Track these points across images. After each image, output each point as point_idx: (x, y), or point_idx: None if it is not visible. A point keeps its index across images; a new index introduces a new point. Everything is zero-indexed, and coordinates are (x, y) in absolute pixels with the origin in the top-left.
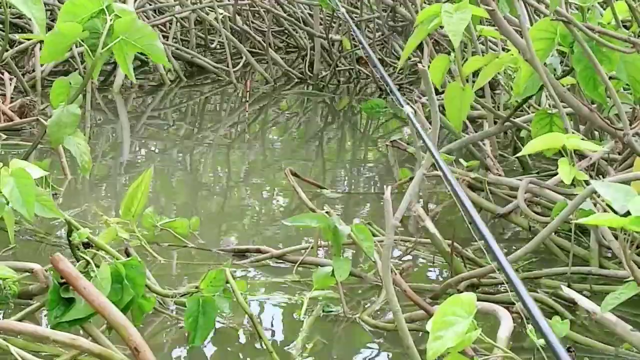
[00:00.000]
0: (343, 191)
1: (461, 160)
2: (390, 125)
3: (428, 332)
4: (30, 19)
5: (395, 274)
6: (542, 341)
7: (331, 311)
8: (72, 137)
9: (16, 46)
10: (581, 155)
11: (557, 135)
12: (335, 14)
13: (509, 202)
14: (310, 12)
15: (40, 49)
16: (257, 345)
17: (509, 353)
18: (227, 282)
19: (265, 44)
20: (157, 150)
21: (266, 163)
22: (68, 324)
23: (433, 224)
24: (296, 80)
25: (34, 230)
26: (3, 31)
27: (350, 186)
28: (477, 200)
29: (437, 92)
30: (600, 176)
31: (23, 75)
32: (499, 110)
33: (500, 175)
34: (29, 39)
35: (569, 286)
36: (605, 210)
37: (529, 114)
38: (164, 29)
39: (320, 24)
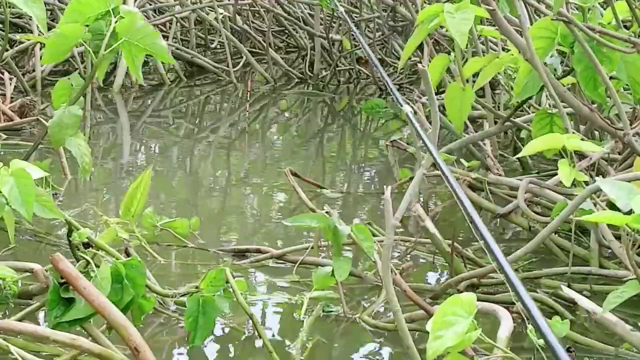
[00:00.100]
0: (343, 191)
1: (462, 160)
2: (390, 125)
3: (428, 332)
4: (30, 19)
5: (395, 274)
6: (542, 341)
7: (331, 311)
8: (73, 138)
9: (16, 46)
10: (581, 155)
11: (557, 135)
12: (335, 14)
13: (509, 202)
14: (310, 12)
15: (41, 49)
16: (257, 345)
17: (509, 353)
18: (227, 282)
19: (265, 44)
20: (157, 150)
21: (266, 163)
22: (68, 324)
23: (433, 224)
24: (296, 80)
25: (33, 230)
26: (3, 31)
27: (350, 186)
28: (478, 200)
29: (437, 92)
30: (600, 176)
31: (23, 75)
32: (499, 110)
33: (500, 175)
34: (29, 39)
35: (569, 286)
36: (605, 210)
37: (529, 114)
38: (164, 29)
39: (321, 24)
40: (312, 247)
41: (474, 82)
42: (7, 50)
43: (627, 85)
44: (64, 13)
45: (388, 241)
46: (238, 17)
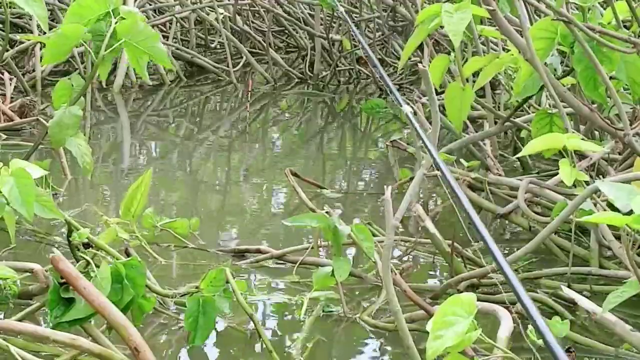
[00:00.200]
0: (343, 191)
1: (462, 160)
2: (390, 125)
3: (428, 332)
4: (30, 19)
5: (395, 274)
6: (542, 341)
7: (331, 311)
8: (74, 138)
9: (16, 46)
10: (581, 155)
11: (557, 135)
12: (335, 14)
13: (509, 202)
14: (310, 12)
15: (41, 49)
16: (257, 345)
17: (509, 353)
18: (227, 282)
19: (265, 44)
20: (157, 150)
21: (266, 163)
22: (68, 324)
23: (433, 224)
24: (296, 80)
25: (34, 231)
26: (3, 31)
27: (350, 186)
28: (478, 200)
29: (437, 92)
30: (601, 176)
31: (23, 75)
32: (499, 110)
33: (500, 175)
34: (29, 39)
35: (569, 286)
36: (605, 211)
37: (529, 114)
38: (164, 29)
39: (321, 24)
40: (312, 247)
41: (474, 82)
42: (7, 50)
43: (627, 85)
44: (64, 16)
45: (388, 241)
46: (238, 18)
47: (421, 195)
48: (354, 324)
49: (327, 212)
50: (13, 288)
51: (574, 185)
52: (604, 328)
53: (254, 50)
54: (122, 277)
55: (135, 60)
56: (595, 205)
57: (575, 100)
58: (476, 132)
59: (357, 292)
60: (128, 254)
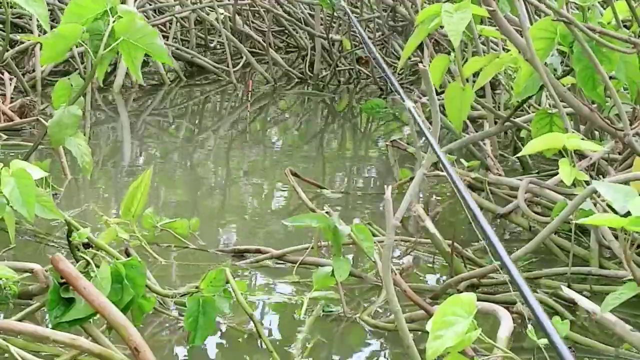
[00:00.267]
0: (343, 191)
1: (462, 160)
2: (390, 125)
3: (428, 332)
4: (30, 19)
5: (395, 274)
6: (543, 341)
7: (331, 311)
8: (73, 138)
9: (16, 46)
10: (581, 155)
11: (557, 135)
12: (335, 14)
13: (509, 202)
14: (310, 12)
15: (41, 49)
16: (257, 345)
17: (509, 353)
18: (227, 282)
19: (265, 44)
20: (157, 150)
21: (266, 163)
22: (68, 324)
23: (433, 224)
24: (296, 80)
25: (34, 231)
26: (4, 31)
27: (350, 186)
28: (478, 200)
29: (437, 92)
30: (601, 176)
31: (23, 75)
32: (499, 110)
33: (500, 175)
34: (29, 39)
35: (569, 286)
36: (605, 211)
37: (529, 114)
38: (164, 29)
39: (321, 24)
40: (312, 247)
41: (474, 82)
42: (7, 50)
43: (627, 85)
44: (63, 14)
45: (388, 241)
46: (238, 18)
47: (421, 195)
48: (354, 324)
49: (327, 212)
50: (13, 288)
51: (574, 185)
52: (604, 328)
53: (254, 50)
54: (122, 277)
55: (129, 60)
56: (595, 205)
57: (575, 100)
58: (476, 132)
59: (357, 292)
60: (128, 254)
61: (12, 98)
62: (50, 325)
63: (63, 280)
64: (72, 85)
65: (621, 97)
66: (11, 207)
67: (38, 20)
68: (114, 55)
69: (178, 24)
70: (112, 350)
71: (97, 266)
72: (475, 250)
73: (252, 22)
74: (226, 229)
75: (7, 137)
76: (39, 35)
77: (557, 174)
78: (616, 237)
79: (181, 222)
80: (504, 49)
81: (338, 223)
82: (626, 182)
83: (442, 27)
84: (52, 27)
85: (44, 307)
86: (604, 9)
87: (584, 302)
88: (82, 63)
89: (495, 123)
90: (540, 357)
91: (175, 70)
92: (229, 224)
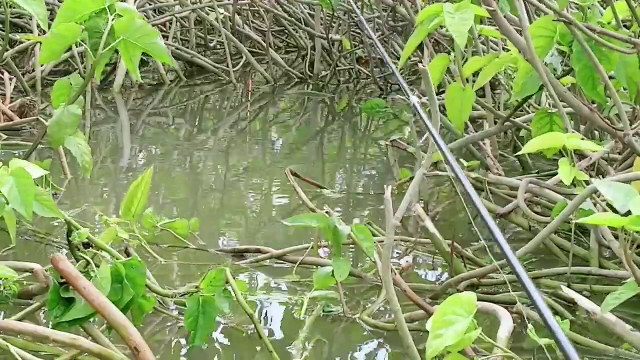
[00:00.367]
0: (343, 191)
1: (462, 160)
2: (390, 125)
3: (428, 332)
4: (30, 19)
5: (395, 274)
6: (544, 341)
7: (331, 311)
8: (73, 137)
9: (16, 46)
10: (581, 155)
11: (557, 135)
12: (335, 14)
13: (509, 202)
14: (310, 12)
15: (41, 49)
16: (258, 345)
17: (509, 353)
18: (227, 282)
19: (265, 44)
20: (157, 150)
21: (266, 163)
22: (68, 324)
23: (433, 224)
24: (296, 80)
25: (34, 231)
26: (4, 31)
27: (351, 186)
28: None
29: (437, 92)
30: (601, 176)
31: (23, 75)
32: (499, 110)
33: (500, 175)
34: (29, 39)
35: (569, 286)
36: (605, 211)
37: (529, 113)
38: (164, 29)
39: (321, 24)
40: (312, 248)
41: (474, 82)
42: (7, 50)
43: (626, 85)
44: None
45: (388, 241)
46: (238, 18)
47: (421, 196)
48: (354, 324)
49: (327, 212)
50: (13, 288)
51: (574, 185)
52: (604, 328)
53: (254, 50)
54: (122, 277)
55: (128, 58)
56: (595, 205)
57: (576, 100)
58: (476, 132)
59: (357, 292)
60: (128, 254)
61: (12, 98)
62: (50, 325)
63: (63, 280)
64: (71, 85)
65: (621, 97)
66: (11, 206)
67: (38, 20)
68: (113, 53)
69: (178, 24)
70: (112, 350)
71: (97, 266)
72: (475, 250)
73: (252, 22)
74: (226, 229)
75: (7, 137)
76: (39, 35)
77: (557, 174)
78: (616, 238)
79: (181, 222)
80: (504, 49)
81: (338, 223)
82: (627, 183)
83: (442, 27)
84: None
85: (44, 307)
86: (604, 9)
87: (584, 302)
88: (82, 63)
89: (495, 123)
90: (540, 357)
91: (175, 70)
92: (229, 224)
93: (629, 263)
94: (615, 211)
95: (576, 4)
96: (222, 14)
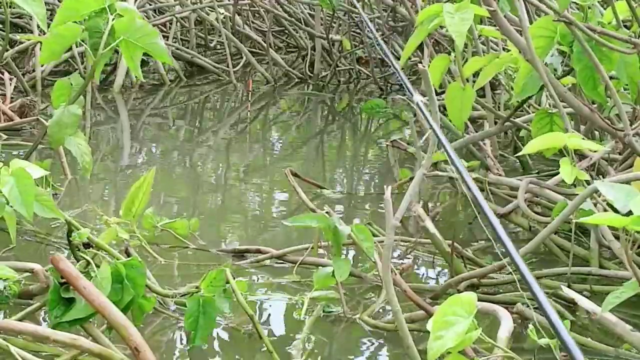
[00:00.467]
0: (343, 191)
1: (462, 160)
2: (390, 125)
3: (428, 332)
4: (30, 19)
5: (395, 274)
6: (544, 341)
7: (331, 311)
8: (73, 137)
9: (16, 46)
10: (581, 156)
11: (557, 134)
12: (335, 14)
13: (509, 202)
14: (310, 12)
15: (41, 49)
16: (258, 346)
17: (509, 353)
18: (228, 282)
19: (265, 44)
20: (157, 150)
21: (266, 163)
22: (68, 324)
23: (433, 224)
24: (296, 80)
25: (34, 231)
26: (3, 31)
27: (351, 186)
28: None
29: (437, 92)
30: (601, 176)
31: (23, 75)
32: (499, 110)
33: (500, 175)
34: (29, 39)
35: (569, 286)
36: (605, 210)
37: (529, 114)
38: (164, 29)
39: (321, 24)
40: (312, 248)
41: (474, 82)
42: (7, 50)
43: (627, 85)
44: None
45: (388, 241)
46: (238, 18)
47: (421, 196)
48: (354, 324)
49: (327, 212)
50: (13, 288)
51: (574, 185)
52: (604, 328)
53: (254, 50)
54: (122, 277)
55: (129, 58)
56: (595, 205)
57: (576, 100)
58: (476, 132)
59: (357, 292)
60: (128, 254)
61: (12, 98)
62: (50, 325)
63: (63, 280)
64: (71, 85)
65: (621, 97)
66: (11, 206)
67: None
68: (113, 54)
69: (178, 24)
70: (112, 350)
71: (98, 266)
72: (475, 250)
73: (252, 22)
74: (226, 229)
75: (7, 137)
76: (39, 35)
77: (557, 174)
78: (617, 238)
79: (181, 222)
80: (504, 49)
81: (338, 223)
82: (627, 183)
83: (442, 27)
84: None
85: (44, 307)
86: (604, 9)
87: (584, 302)
88: (82, 63)
89: (495, 123)
90: (540, 357)
91: (175, 70)
92: (229, 224)
93: (629, 263)
94: (615, 211)
95: (576, 3)
96: (222, 13)
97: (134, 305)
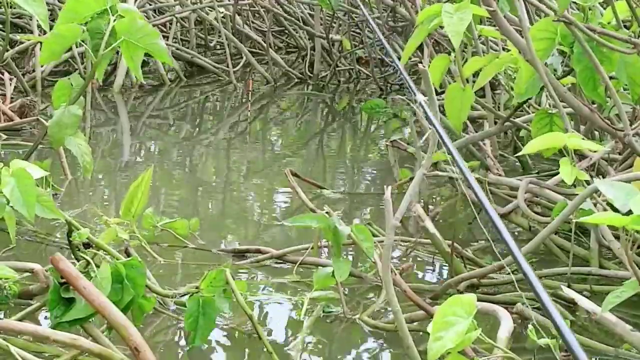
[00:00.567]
0: (343, 191)
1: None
2: (390, 125)
3: (428, 333)
4: (30, 19)
5: (395, 274)
6: (544, 341)
7: (331, 311)
8: (73, 137)
9: (16, 46)
10: (581, 156)
11: (557, 134)
12: (335, 14)
13: (509, 202)
14: (310, 12)
15: (41, 49)
16: (257, 346)
17: (509, 353)
18: (227, 282)
19: (265, 44)
20: (157, 150)
21: (266, 163)
22: (68, 324)
23: (433, 224)
24: (296, 80)
25: (34, 231)
26: (4, 31)
27: (351, 186)
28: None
29: (437, 93)
30: (600, 176)
31: (23, 75)
32: (499, 110)
33: (500, 175)
34: (29, 39)
35: (569, 286)
36: (605, 210)
37: (529, 114)
38: (164, 29)
39: (321, 24)
40: (312, 248)
41: (474, 82)
42: (7, 50)
43: (627, 85)
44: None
45: (388, 241)
46: (238, 18)
47: (421, 196)
48: (354, 324)
49: (327, 213)
50: (13, 288)
51: (574, 185)
52: (604, 328)
53: (254, 50)
54: (122, 277)
55: (129, 58)
56: (595, 205)
57: (576, 101)
58: (476, 132)
59: (357, 292)
60: (128, 254)
61: (12, 98)
62: (50, 325)
63: (63, 280)
64: (72, 85)
65: (621, 97)
66: (11, 207)
67: (38, 20)
68: (114, 54)
69: (178, 24)
70: (112, 350)
71: (98, 266)
72: (475, 250)
73: (252, 22)
74: (226, 229)
75: (7, 137)
76: (39, 35)
77: (557, 174)
78: (617, 238)
79: (181, 222)
80: (504, 49)
81: (338, 223)
82: (627, 182)
83: (442, 27)
84: (51, 27)
85: (44, 307)
86: (604, 9)
87: (584, 302)
88: (82, 63)
89: (495, 123)
90: (540, 357)
91: (175, 70)
92: (229, 224)
93: (629, 263)
94: (615, 211)
95: (576, 4)
96: (222, 12)
97: (134, 305)
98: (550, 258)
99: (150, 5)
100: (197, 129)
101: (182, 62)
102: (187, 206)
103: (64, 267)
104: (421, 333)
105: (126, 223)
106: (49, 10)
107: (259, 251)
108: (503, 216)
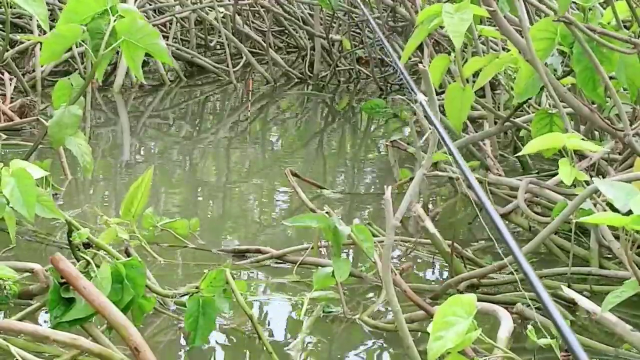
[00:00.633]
0: (343, 191)
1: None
2: (390, 125)
3: (428, 333)
4: (30, 19)
5: (395, 274)
6: (544, 341)
7: (331, 311)
8: (73, 137)
9: (16, 46)
10: (581, 156)
11: (557, 135)
12: (335, 14)
13: (509, 202)
14: (310, 12)
15: (41, 49)
16: (257, 346)
17: (509, 353)
18: (227, 282)
19: (265, 44)
20: (157, 150)
21: (266, 163)
22: (68, 324)
23: (433, 224)
24: (296, 80)
25: (34, 231)
26: (4, 31)
27: (351, 186)
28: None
29: (437, 93)
30: (600, 176)
31: (23, 75)
32: (499, 110)
33: (500, 175)
34: (29, 39)
35: (569, 286)
36: (605, 210)
37: (529, 114)
38: (164, 29)
39: (321, 24)
40: (311, 248)
41: (474, 82)
42: (7, 50)
43: (627, 85)
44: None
45: (388, 241)
46: (238, 18)
47: (421, 196)
48: (354, 324)
49: (327, 213)
50: (13, 288)
51: (574, 185)
52: (604, 328)
53: (254, 50)
54: (122, 277)
55: (130, 58)
56: (595, 205)
57: (576, 101)
58: (476, 132)
59: (357, 292)
60: (128, 254)
61: (12, 98)
62: (50, 325)
63: (63, 280)
64: (72, 85)
65: (621, 98)
66: (11, 207)
67: (38, 20)
68: (114, 54)
69: (178, 24)
70: (112, 350)
71: (98, 266)
72: (475, 250)
73: (252, 22)
74: (226, 229)
75: (7, 137)
76: (39, 35)
77: (557, 174)
78: (617, 238)
79: (181, 222)
80: (504, 49)
81: (338, 223)
82: (627, 183)
83: (442, 27)
84: (52, 27)
85: (44, 307)
86: (604, 9)
87: (584, 302)
88: (82, 63)
89: (495, 123)
90: (540, 357)
91: (175, 70)
92: (229, 224)
93: (629, 263)
94: (615, 211)
95: (576, 4)
96: (222, 12)
97: (134, 305)
98: (550, 258)
99: (150, 5)
100: (197, 129)
101: (182, 62)
102: (187, 206)
103: (64, 267)
104: (421, 333)
105: (126, 223)
106: (49, 10)
107: (259, 251)
108: (503, 216)
